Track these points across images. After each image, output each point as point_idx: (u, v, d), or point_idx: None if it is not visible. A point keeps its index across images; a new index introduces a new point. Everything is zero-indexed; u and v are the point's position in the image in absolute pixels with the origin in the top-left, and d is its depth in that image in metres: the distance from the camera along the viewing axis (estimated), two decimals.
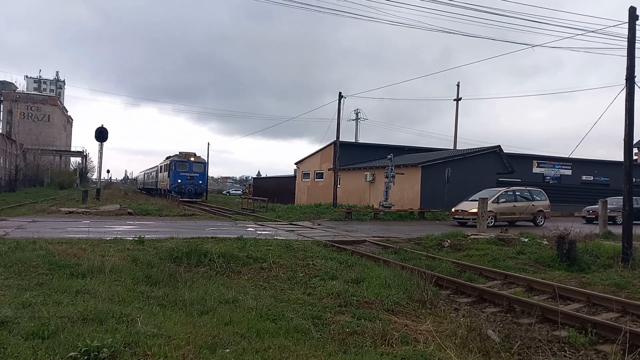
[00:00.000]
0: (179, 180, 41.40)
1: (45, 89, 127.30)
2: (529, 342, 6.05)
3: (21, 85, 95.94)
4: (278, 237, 13.93)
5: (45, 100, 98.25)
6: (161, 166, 51.16)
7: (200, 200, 42.30)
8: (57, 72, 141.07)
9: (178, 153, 43.98)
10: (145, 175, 71.51)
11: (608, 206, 20.14)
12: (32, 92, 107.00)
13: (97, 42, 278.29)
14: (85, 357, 4.04)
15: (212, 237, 13.04)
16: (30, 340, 4.51)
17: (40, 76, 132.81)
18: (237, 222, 20.60)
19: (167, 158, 47.50)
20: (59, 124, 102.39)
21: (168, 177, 43.45)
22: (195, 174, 42.27)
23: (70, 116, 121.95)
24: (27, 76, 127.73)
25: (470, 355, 5.20)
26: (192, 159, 42.74)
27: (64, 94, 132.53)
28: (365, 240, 15.26)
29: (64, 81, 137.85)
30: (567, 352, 5.87)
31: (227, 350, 4.76)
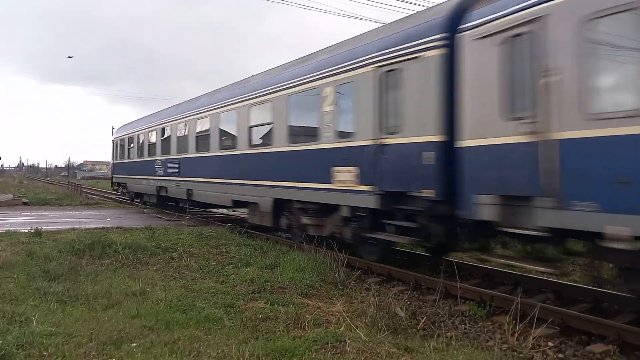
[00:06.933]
0: None
1: None
2: (433, 317, 6.38)
3: None
4: (189, 226, 13.56)
5: None
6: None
7: None
8: None
9: None
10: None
11: None
12: None
13: None
14: None
15: (117, 227, 12.41)
16: None
17: None
18: (144, 209, 19.77)
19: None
20: None
21: None
22: None
23: None
24: None
25: (380, 334, 5.39)
26: None
27: None
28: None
29: None
30: (467, 324, 6.27)
31: (134, 345, 4.58)
